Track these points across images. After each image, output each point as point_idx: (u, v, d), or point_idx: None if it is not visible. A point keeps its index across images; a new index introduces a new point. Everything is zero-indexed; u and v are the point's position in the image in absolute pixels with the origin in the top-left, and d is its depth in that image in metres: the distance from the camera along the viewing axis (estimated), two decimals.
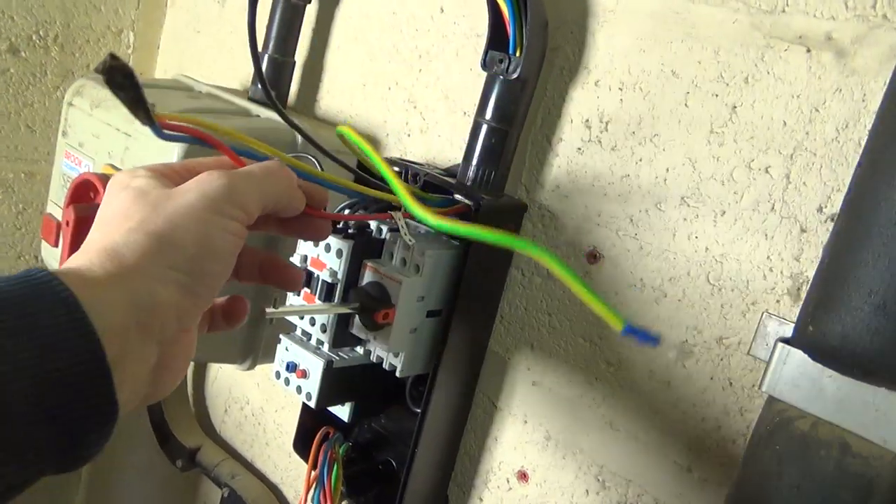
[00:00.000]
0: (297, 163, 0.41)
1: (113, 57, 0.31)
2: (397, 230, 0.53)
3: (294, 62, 0.71)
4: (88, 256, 0.31)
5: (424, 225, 0.42)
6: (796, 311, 0.45)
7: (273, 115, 0.65)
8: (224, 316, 0.41)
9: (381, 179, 0.54)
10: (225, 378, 0.86)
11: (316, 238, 0.43)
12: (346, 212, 0.54)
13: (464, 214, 0.53)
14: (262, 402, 0.81)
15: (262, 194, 0.36)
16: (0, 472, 0.25)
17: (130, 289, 0.30)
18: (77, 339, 0.27)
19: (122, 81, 0.31)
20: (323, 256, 0.53)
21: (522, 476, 0.58)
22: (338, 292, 0.53)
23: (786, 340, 0.39)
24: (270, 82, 0.69)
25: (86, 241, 0.33)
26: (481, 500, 0.61)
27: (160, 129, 0.35)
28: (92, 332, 0.27)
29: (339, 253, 0.52)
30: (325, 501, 0.57)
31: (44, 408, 0.26)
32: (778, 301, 0.46)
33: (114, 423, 0.28)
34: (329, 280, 0.53)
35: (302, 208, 0.39)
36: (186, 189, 0.34)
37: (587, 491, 0.54)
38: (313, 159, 0.52)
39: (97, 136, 0.62)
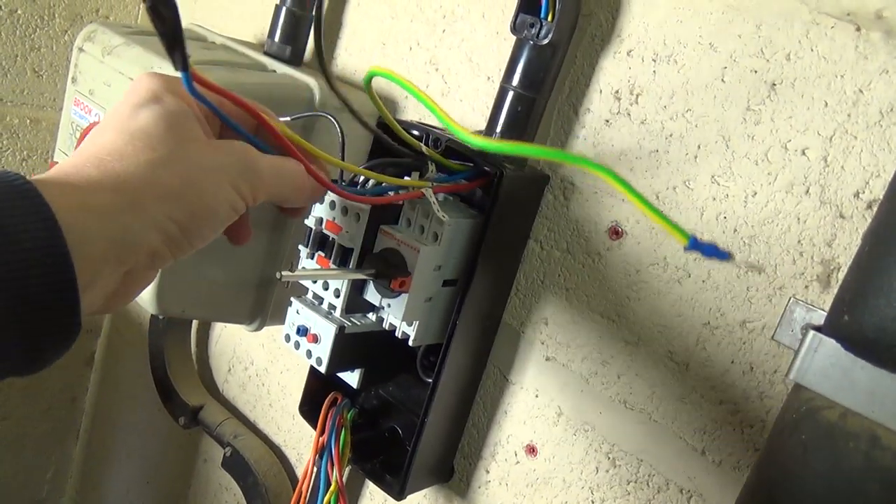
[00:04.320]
0: (320, 153, 0.41)
1: None
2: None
3: (312, 16, 0.69)
4: (88, 172, 0.30)
5: (472, 147, 0.41)
6: (825, 297, 0.44)
7: (289, 70, 0.63)
8: None
9: (402, 142, 0.52)
10: (229, 337, 0.86)
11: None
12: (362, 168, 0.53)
13: (486, 184, 0.52)
14: (267, 363, 0.80)
15: (276, 191, 0.37)
16: None
17: (120, 225, 0.30)
18: (54, 266, 0.27)
19: (165, 12, 0.30)
20: (339, 220, 0.52)
21: (531, 450, 0.58)
22: (353, 257, 0.52)
23: (817, 328, 0.38)
24: (287, 37, 0.67)
25: (94, 142, 0.32)
26: (488, 471, 0.61)
27: (191, 79, 0.33)
28: (69, 264, 0.27)
29: (357, 217, 0.51)
30: (333, 467, 0.56)
31: (15, 322, 0.26)
32: (806, 287, 0.45)
33: (74, 339, 0.29)
34: (345, 244, 0.51)
35: (302, 205, 0.41)
36: (223, 149, 0.34)
37: (597, 468, 0.54)
38: (330, 117, 0.51)
39: (108, 84, 0.60)
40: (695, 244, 0.35)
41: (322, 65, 0.46)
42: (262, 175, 0.36)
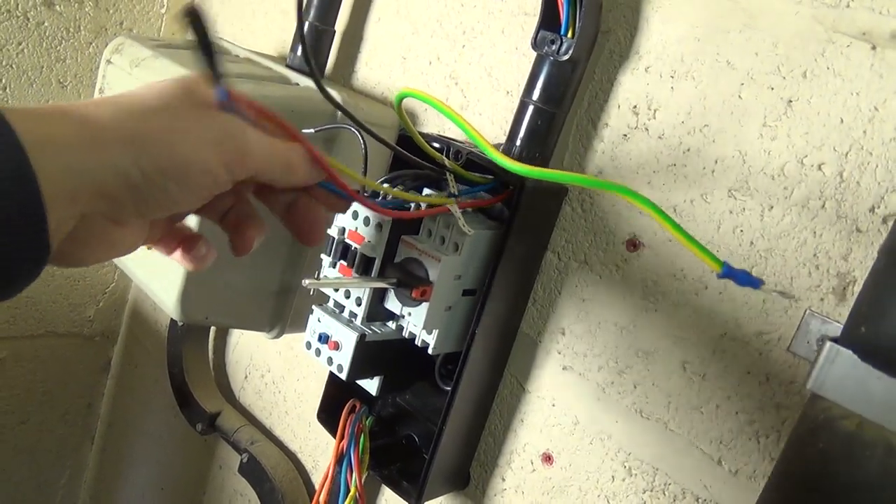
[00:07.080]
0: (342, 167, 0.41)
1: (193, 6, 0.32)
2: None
3: (334, 31, 0.70)
4: (61, 108, 0.30)
5: (508, 171, 0.42)
6: (840, 310, 0.45)
7: (312, 83, 0.65)
8: (182, 249, 0.40)
9: (425, 157, 0.53)
10: (246, 344, 0.87)
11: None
12: (386, 185, 0.54)
13: (507, 197, 0.53)
14: (284, 370, 0.81)
15: (264, 167, 0.36)
16: None
17: (77, 160, 0.29)
18: (21, 188, 0.27)
19: (203, 29, 0.31)
20: (361, 230, 0.53)
21: (547, 459, 0.58)
22: (375, 266, 0.53)
23: (834, 339, 0.39)
24: (309, 50, 0.68)
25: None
26: (504, 479, 0.61)
27: (225, 92, 0.34)
28: (35, 187, 0.27)
29: (379, 227, 0.52)
30: (352, 473, 0.57)
31: None
32: (822, 299, 0.46)
33: (45, 263, 0.29)
34: (367, 254, 0.52)
35: (295, 184, 0.39)
36: (214, 116, 0.34)
37: (613, 477, 0.55)
38: (353, 129, 0.52)
39: None
40: (728, 272, 0.36)
41: (315, 77, 0.47)
42: (249, 146, 0.34)
